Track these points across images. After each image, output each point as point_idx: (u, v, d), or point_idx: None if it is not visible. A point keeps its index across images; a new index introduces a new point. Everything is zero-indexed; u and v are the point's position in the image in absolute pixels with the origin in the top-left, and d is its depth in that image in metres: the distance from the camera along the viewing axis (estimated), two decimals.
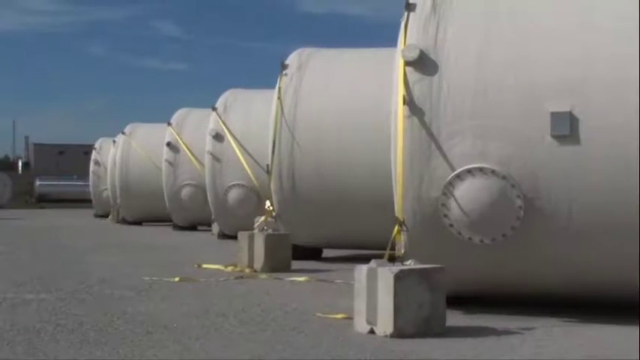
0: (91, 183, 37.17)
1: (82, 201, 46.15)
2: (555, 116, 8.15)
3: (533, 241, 8.26)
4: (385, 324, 7.28)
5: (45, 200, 53.98)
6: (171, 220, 25.19)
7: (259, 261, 12.93)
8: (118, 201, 28.91)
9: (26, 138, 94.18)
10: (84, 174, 42.28)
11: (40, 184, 56.47)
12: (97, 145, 37.15)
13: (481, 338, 7.24)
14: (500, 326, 7.73)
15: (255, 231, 13.31)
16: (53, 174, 60.25)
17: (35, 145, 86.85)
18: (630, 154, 8.01)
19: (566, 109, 8.14)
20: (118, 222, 29.50)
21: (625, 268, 8.22)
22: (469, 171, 8.25)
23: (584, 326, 7.91)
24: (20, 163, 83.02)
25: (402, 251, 8.29)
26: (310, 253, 14.96)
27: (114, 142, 30.84)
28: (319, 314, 8.44)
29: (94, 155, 36.99)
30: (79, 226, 28.50)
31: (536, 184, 8.18)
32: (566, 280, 8.49)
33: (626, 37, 8.26)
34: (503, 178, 8.18)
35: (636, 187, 7.99)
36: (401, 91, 8.53)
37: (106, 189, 32.83)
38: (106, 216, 33.36)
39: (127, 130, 29.18)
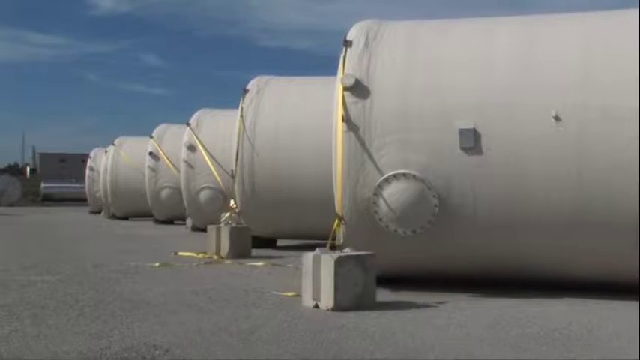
0: (86, 185, 36.64)
1: (79, 200, 45.45)
2: (462, 132, 8.22)
3: (446, 232, 8.32)
4: (327, 300, 7.27)
5: (49, 200, 53.16)
6: (152, 216, 24.95)
7: (225, 249, 12.86)
8: (109, 200, 28.55)
9: (33, 148, 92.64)
10: (81, 178, 41.68)
11: (44, 187, 55.58)
12: (91, 154, 36.61)
13: (404, 311, 7.25)
14: (420, 301, 7.76)
15: (222, 225, 13.24)
16: (56, 178, 59.22)
17: (41, 154, 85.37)
18: (522, 161, 8.11)
19: (471, 126, 8.21)
20: (109, 217, 29.13)
21: (518, 252, 8.32)
22: (395, 176, 8.28)
23: (485, 300, 7.97)
24: (28, 169, 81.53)
25: (341, 241, 8.29)
26: (267, 242, 14.93)
27: (106, 152, 30.44)
28: (274, 292, 8.39)
29: (89, 162, 36.45)
30: (77, 221, 28.09)
31: (448, 187, 8.23)
32: (472, 262, 8.56)
33: (516, 67, 8.37)
34: (422, 181, 8.22)
35: (526, 187, 8.10)
36: (340, 111, 8.53)
37: (99, 190, 32.36)
38: (99, 212, 32.89)
39: (116, 142, 28.83)
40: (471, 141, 8.19)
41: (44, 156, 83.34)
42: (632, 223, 7.80)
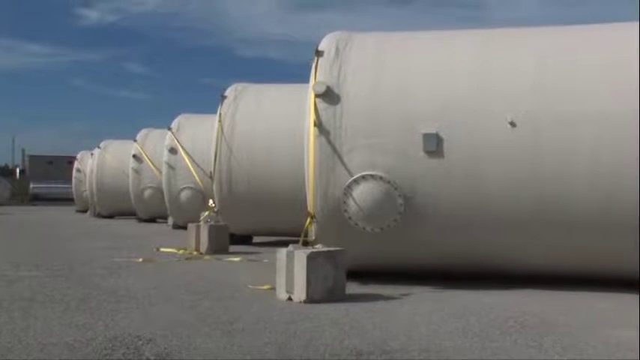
0: (73, 186, 36.30)
1: (66, 200, 44.94)
2: (426, 136, 8.29)
3: (410, 230, 8.38)
4: (300, 293, 7.30)
5: (37, 199, 52.54)
6: (136, 214, 24.81)
7: (204, 245, 12.83)
8: (95, 199, 28.33)
9: (23, 150, 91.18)
10: (68, 179, 41.26)
11: (33, 187, 54.94)
12: (78, 157, 36.26)
13: (372, 303, 7.30)
14: (386, 293, 7.81)
15: (201, 223, 13.21)
16: (44, 179, 58.56)
17: (30, 156, 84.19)
18: (480, 164, 8.20)
19: (434, 131, 8.29)
20: (94, 216, 28.89)
21: (477, 248, 8.41)
22: (363, 177, 8.33)
23: (447, 292, 8.05)
24: (18, 171, 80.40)
25: (313, 238, 8.32)
26: (244, 239, 14.91)
27: (92, 154, 30.21)
28: (250, 286, 8.40)
29: (76, 164, 36.10)
30: (64, 219, 27.81)
31: (412, 187, 8.30)
32: (433, 257, 8.63)
33: (476, 77, 8.46)
34: (388, 182, 8.28)
35: (484, 187, 8.18)
36: (312, 116, 8.56)
37: (85, 190, 32.09)
38: (85, 211, 32.58)
39: (102, 145, 28.64)
40: (434, 145, 8.26)
41: (33, 158, 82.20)
42: (582, 220, 7.95)
